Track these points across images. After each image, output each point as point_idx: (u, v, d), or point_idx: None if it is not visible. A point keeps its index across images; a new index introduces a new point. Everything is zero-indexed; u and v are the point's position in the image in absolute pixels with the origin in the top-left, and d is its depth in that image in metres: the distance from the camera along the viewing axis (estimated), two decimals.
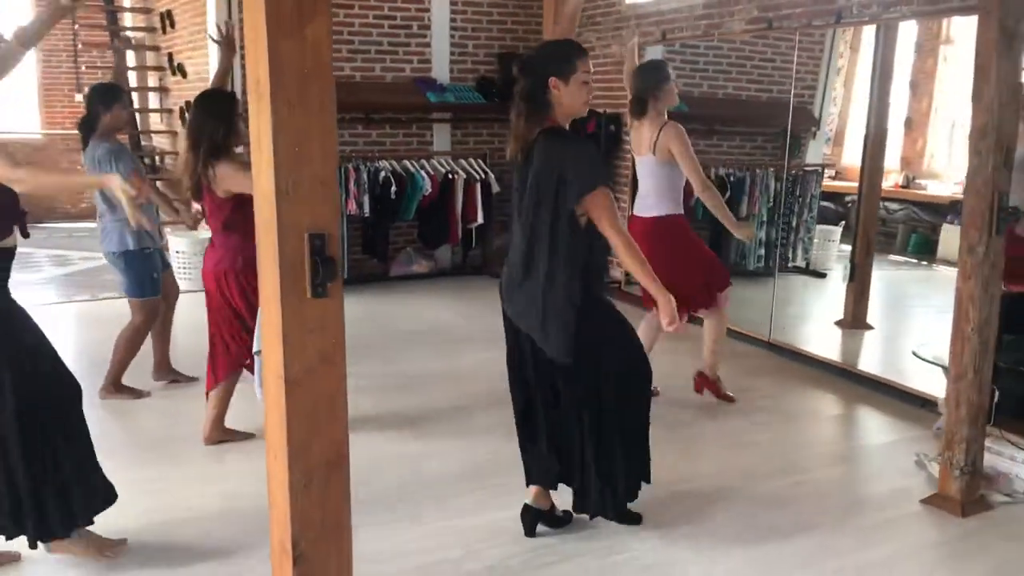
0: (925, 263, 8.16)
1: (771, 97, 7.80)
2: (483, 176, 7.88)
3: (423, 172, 7.62)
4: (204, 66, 7.63)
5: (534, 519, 3.32)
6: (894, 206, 8.22)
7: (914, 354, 4.27)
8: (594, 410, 3.13)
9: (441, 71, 8.09)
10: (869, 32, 7.12)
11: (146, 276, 4.77)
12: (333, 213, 2.15)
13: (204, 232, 7.92)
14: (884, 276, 7.14)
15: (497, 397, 4.91)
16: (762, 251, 7.77)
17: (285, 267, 2.08)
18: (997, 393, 3.55)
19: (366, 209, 7.48)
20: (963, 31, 7.14)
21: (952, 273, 7.63)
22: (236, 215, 3.92)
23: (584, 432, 3.14)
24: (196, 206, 4.46)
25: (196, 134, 3.93)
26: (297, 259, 2.09)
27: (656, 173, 4.53)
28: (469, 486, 3.77)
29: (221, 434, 4.19)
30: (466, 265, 8.33)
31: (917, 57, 8.01)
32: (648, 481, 3.30)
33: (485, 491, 3.68)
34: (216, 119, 3.93)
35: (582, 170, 2.94)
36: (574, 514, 3.37)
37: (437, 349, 5.93)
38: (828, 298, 7.48)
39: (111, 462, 3.92)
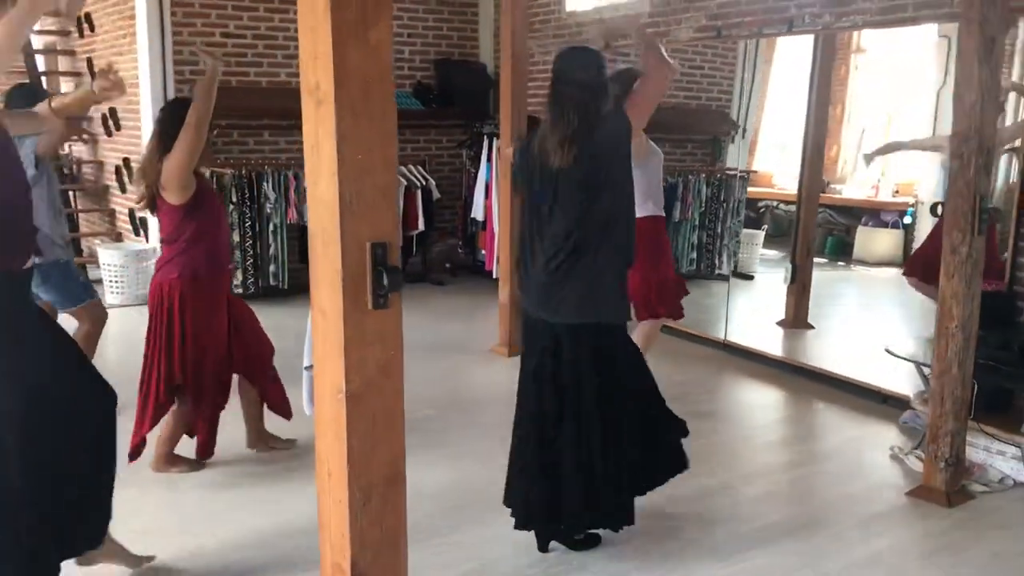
0: (842, 264, 8.46)
1: (700, 104, 7.98)
2: (424, 183, 7.82)
3: None
4: (132, 71, 7.33)
5: (548, 533, 3.29)
6: None
7: (887, 352, 4.42)
8: (622, 416, 3.15)
9: None
10: (783, 43, 7.35)
11: (73, 283, 4.51)
12: (393, 221, 2.10)
13: (135, 244, 7.64)
14: None
15: (474, 410, 4.91)
16: (694, 255, 7.94)
17: (347, 279, 2.02)
18: (976, 387, 3.70)
19: (306, 217, 7.31)
20: (874, 40, 7.44)
21: (868, 273, 7.99)
22: (187, 222, 3.73)
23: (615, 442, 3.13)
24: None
25: (168, 140, 3.69)
26: (359, 270, 2.03)
27: (637, 177, 4.58)
28: (468, 499, 3.71)
29: (170, 462, 3.95)
30: (405, 273, 8.22)
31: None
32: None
33: (483, 504, 3.60)
34: None
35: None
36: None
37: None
38: (761, 300, 7.68)
39: None
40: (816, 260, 8.49)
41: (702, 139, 8.20)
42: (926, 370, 4.08)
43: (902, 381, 5.13)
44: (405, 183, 7.72)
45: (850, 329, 7.10)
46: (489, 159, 7.73)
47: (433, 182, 7.89)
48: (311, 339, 2.24)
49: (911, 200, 8.06)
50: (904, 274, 5.74)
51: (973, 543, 3.37)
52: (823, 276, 8.54)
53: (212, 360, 3.79)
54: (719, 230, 7.87)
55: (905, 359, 4.33)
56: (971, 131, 3.42)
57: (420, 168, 7.92)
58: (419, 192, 7.78)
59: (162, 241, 3.80)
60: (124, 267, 7.19)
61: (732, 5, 5.81)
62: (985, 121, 3.42)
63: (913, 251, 6.47)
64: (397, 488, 2.20)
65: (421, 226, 7.83)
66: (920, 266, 5.50)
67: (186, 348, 3.71)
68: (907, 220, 8.18)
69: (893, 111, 8.43)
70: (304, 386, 3.56)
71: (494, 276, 7.75)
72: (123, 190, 7.87)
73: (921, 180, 7.96)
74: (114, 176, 8.04)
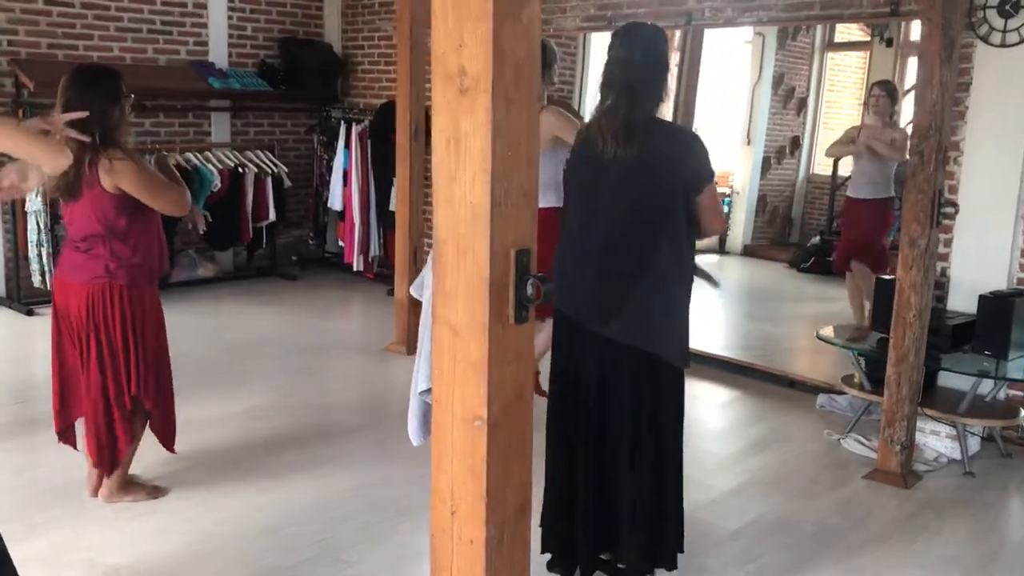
0: None
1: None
2: (274, 170, 7.30)
3: (211, 166, 6.89)
4: None
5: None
6: None
7: (819, 338, 4.56)
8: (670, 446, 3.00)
9: (219, 55, 7.37)
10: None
11: None
12: (534, 226, 1.88)
13: None
14: None
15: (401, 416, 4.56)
16: None
17: (493, 291, 1.79)
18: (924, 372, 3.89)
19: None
20: (706, 37, 7.73)
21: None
22: (125, 216, 3.30)
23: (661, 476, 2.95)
24: None
25: (84, 117, 3.24)
26: (503, 281, 1.80)
27: (543, 165, 4.38)
28: None
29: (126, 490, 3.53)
30: (251, 267, 7.67)
31: None
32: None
33: None
34: (111, 101, 3.30)
35: (704, 160, 2.79)
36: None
37: (292, 362, 5.39)
38: None
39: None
40: None
41: None
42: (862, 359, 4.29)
43: (798, 366, 5.38)
44: (256, 170, 7.19)
45: (715, 314, 7.36)
46: (347, 145, 7.34)
47: (284, 169, 7.40)
48: (428, 359, 1.96)
49: (727, 191, 8.47)
50: (838, 268, 5.76)
51: (945, 521, 3.54)
52: None
53: (167, 362, 3.53)
54: None
55: (840, 346, 4.50)
56: (931, 129, 3.56)
57: (268, 154, 7.40)
58: (270, 180, 7.26)
59: (102, 233, 3.29)
60: None
61: None
62: (945, 119, 3.58)
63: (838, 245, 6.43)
64: (525, 519, 1.98)
65: (272, 216, 7.32)
66: (859, 255, 5.56)
67: (145, 355, 3.38)
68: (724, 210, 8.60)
69: (714, 104, 8.82)
70: (415, 413, 2.94)
71: (355, 269, 7.39)
72: None
73: (736, 172, 8.41)
74: None
